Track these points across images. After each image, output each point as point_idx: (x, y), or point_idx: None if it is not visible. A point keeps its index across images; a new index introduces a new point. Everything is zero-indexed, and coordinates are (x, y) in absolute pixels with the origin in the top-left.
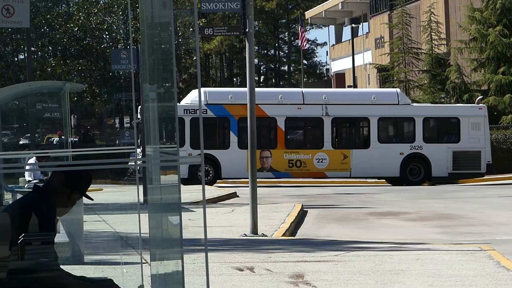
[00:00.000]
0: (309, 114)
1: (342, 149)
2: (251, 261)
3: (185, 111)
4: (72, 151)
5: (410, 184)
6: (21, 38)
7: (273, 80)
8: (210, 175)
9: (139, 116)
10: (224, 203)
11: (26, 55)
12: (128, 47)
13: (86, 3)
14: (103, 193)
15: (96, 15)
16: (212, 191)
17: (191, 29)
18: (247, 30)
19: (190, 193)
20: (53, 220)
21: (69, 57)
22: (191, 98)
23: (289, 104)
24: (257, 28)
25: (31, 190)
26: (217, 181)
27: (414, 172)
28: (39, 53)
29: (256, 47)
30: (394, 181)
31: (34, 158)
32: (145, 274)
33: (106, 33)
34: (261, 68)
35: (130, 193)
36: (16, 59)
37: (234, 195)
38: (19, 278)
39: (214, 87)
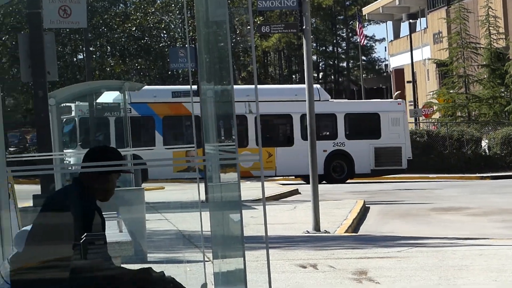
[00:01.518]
0: None
1: (267, 147)
2: (314, 258)
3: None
4: (132, 150)
5: (334, 182)
6: (79, 38)
7: (332, 77)
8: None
9: (66, 116)
10: (286, 200)
11: (84, 55)
12: (186, 45)
13: (143, 3)
14: (164, 191)
15: (153, 14)
16: (274, 188)
17: (248, 27)
18: (303, 27)
19: (252, 190)
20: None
21: (127, 56)
22: (113, 97)
23: None
24: (314, 25)
25: None
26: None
27: (337, 170)
28: (98, 53)
29: (314, 44)
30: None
31: None
32: (208, 272)
33: (164, 32)
34: (320, 64)
35: (191, 191)
36: (74, 59)
37: (296, 192)
38: (81, 277)
39: (273, 84)
